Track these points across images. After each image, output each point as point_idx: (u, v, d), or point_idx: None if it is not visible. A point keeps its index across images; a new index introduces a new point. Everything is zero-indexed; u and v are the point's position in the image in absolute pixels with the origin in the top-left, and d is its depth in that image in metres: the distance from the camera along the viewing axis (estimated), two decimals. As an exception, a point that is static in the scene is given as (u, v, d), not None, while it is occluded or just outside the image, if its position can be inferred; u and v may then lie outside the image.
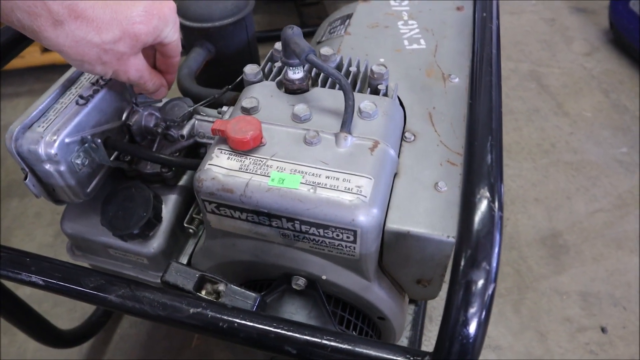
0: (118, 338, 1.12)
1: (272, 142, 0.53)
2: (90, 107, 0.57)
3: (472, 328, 0.37)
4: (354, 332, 0.62)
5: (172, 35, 0.54)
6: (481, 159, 0.45)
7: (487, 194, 0.42)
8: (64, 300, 1.15)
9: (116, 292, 0.48)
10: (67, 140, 0.54)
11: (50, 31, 0.44)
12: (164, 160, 0.61)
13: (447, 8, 0.83)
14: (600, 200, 1.37)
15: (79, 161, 0.57)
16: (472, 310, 0.37)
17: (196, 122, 0.64)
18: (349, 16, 0.84)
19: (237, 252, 0.59)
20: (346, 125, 0.53)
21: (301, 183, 0.49)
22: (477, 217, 0.41)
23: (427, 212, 0.53)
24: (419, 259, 0.55)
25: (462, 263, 0.39)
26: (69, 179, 0.56)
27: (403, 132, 0.61)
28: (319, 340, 0.43)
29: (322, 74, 0.63)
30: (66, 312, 1.16)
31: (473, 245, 0.39)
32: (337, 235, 0.50)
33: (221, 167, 0.51)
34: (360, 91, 0.62)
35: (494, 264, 0.38)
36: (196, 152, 0.68)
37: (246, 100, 0.57)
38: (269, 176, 0.50)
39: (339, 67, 0.64)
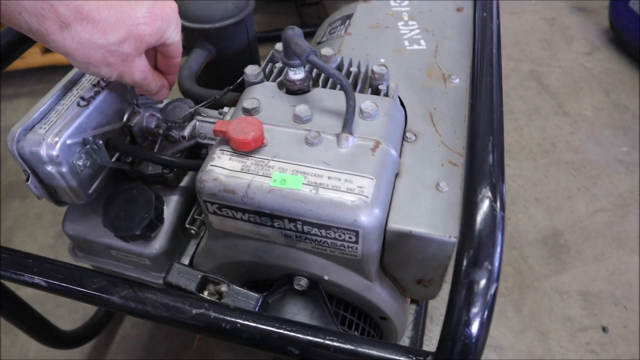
0: (120, 339, 1.12)
1: (274, 143, 0.53)
2: (92, 108, 0.57)
3: (475, 328, 0.37)
4: (356, 332, 0.62)
5: (174, 35, 0.54)
6: (483, 159, 0.46)
7: (489, 194, 0.42)
8: (66, 301, 1.15)
9: (119, 293, 0.48)
10: (68, 141, 0.54)
11: (57, 34, 0.44)
12: (165, 161, 0.61)
13: (448, 8, 0.83)
14: (601, 199, 1.37)
15: (80, 162, 0.57)
16: (475, 310, 0.37)
17: (197, 123, 0.64)
18: (349, 16, 0.84)
19: (239, 252, 0.59)
20: (347, 125, 0.53)
21: (303, 184, 0.50)
22: (479, 217, 0.41)
23: (428, 212, 0.53)
24: (420, 259, 0.55)
25: (465, 263, 0.39)
26: (70, 181, 0.56)
27: (404, 133, 0.61)
28: (321, 341, 0.43)
29: (322, 75, 0.63)
30: (68, 313, 1.16)
31: (475, 245, 0.39)
32: (339, 236, 0.50)
33: (223, 168, 0.51)
34: (361, 91, 0.62)
35: (496, 264, 0.38)
36: (197, 153, 0.68)
37: (247, 101, 0.57)
38: (271, 177, 0.50)
39: (339, 67, 0.64)
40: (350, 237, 0.50)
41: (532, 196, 1.38)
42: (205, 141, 0.64)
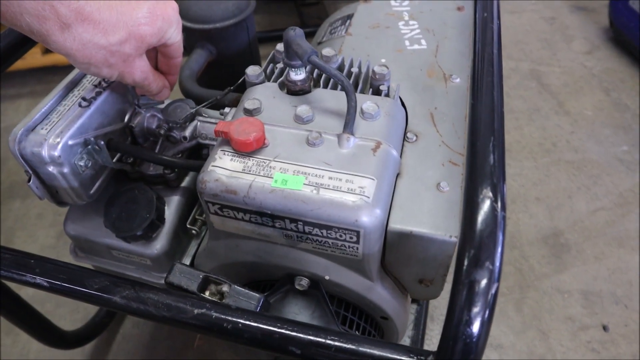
0: (121, 338, 1.13)
1: (275, 144, 0.53)
2: (93, 109, 0.58)
3: (476, 327, 0.37)
4: (357, 332, 0.62)
5: (175, 36, 0.54)
6: (483, 159, 0.46)
7: (490, 194, 0.42)
8: (67, 301, 1.15)
9: (121, 294, 0.48)
10: (70, 142, 0.55)
11: (58, 35, 0.44)
12: (166, 161, 0.61)
13: (448, 8, 0.83)
14: (602, 198, 1.37)
15: (82, 163, 0.57)
16: (476, 309, 0.37)
17: (198, 123, 0.64)
18: (350, 16, 0.84)
19: (241, 253, 0.59)
20: (349, 126, 0.53)
21: (304, 184, 0.50)
22: (480, 216, 0.41)
23: (429, 212, 0.53)
24: (421, 258, 0.55)
25: (466, 263, 0.39)
26: (72, 181, 0.56)
27: (405, 133, 0.61)
28: (322, 340, 0.43)
29: (324, 75, 0.63)
30: (69, 313, 1.16)
31: (476, 245, 0.39)
32: (340, 236, 0.50)
33: (224, 169, 0.51)
34: (362, 92, 0.62)
35: (497, 264, 0.38)
36: (199, 153, 0.68)
37: (248, 101, 0.58)
38: (272, 177, 0.50)
39: (340, 68, 0.65)
40: (351, 237, 0.50)
41: (532, 195, 1.38)
42: (207, 142, 0.64)
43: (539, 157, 1.49)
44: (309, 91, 0.60)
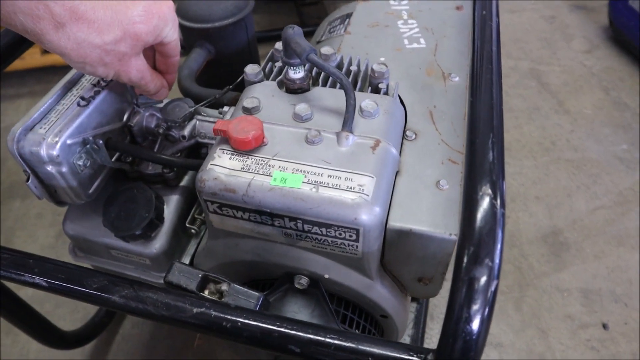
0: (120, 338, 1.12)
1: (274, 142, 0.53)
2: (92, 108, 0.57)
3: (475, 325, 0.37)
4: (356, 331, 0.62)
5: (171, 34, 0.54)
6: (483, 157, 0.46)
7: (489, 191, 0.42)
8: (66, 301, 1.15)
9: (119, 293, 0.48)
10: (68, 141, 0.54)
11: (52, 34, 0.44)
12: (165, 160, 0.61)
13: (447, 7, 0.83)
14: (601, 197, 1.37)
15: (80, 162, 0.57)
16: (475, 307, 0.37)
17: (197, 122, 0.64)
18: (349, 15, 0.84)
19: (240, 251, 0.59)
20: (347, 124, 0.53)
21: (303, 182, 0.50)
22: (480, 214, 0.41)
23: (429, 210, 0.53)
24: (421, 256, 0.55)
25: (465, 260, 0.39)
26: (70, 180, 0.56)
27: (404, 131, 0.61)
28: (322, 339, 0.43)
29: (322, 74, 0.63)
30: (68, 313, 1.16)
31: (476, 242, 0.39)
32: (340, 234, 0.50)
33: (223, 167, 0.51)
34: (361, 90, 0.62)
35: (497, 261, 0.38)
36: (197, 152, 0.68)
37: (247, 100, 0.58)
38: (271, 176, 0.50)
39: (339, 66, 0.64)
40: (350, 236, 0.50)
41: (532, 194, 1.38)
42: (205, 140, 0.64)
43: (538, 156, 1.49)
44: (307, 89, 0.60)
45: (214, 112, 0.68)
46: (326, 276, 0.57)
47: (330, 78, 0.62)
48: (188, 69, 0.82)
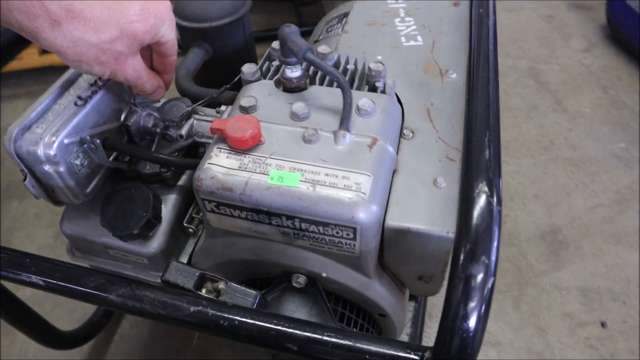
0: (118, 338, 1.12)
1: (271, 141, 0.53)
2: (89, 108, 0.57)
3: (472, 322, 0.37)
4: (354, 329, 0.62)
5: (168, 33, 0.54)
6: (479, 154, 0.46)
7: (486, 189, 0.42)
8: (65, 301, 1.15)
9: (117, 292, 0.48)
10: (66, 141, 0.54)
11: (48, 32, 0.44)
12: (163, 160, 0.61)
13: (444, 5, 0.83)
14: (600, 195, 1.37)
15: (78, 162, 0.57)
16: (472, 304, 0.37)
17: (195, 121, 0.64)
18: (346, 14, 0.84)
19: (237, 250, 0.59)
20: (345, 122, 0.53)
21: (300, 181, 0.50)
22: (476, 211, 0.41)
23: (426, 208, 0.53)
24: (419, 255, 0.55)
25: (462, 257, 0.39)
26: (68, 180, 0.56)
27: (401, 129, 0.61)
28: (319, 337, 0.43)
29: (319, 72, 0.63)
30: (67, 313, 1.16)
31: (472, 239, 0.39)
32: (337, 233, 0.50)
33: (220, 166, 0.51)
34: (358, 89, 0.62)
35: (493, 258, 0.38)
36: (195, 151, 0.68)
37: (244, 99, 0.57)
38: (268, 174, 0.50)
39: (336, 65, 0.64)
40: (348, 234, 0.50)
41: (530, 193, 1.39)
42: (203, 140, 0.64)
43: (537, 155, 1.49)
44: (304, 88, 0.60)
45: (212, 111, 0.68)
46: (324, 275, 0.57)
47: (328, 77, 0.62)
48: (185, 68, 0.82)
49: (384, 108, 0.57)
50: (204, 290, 0.52)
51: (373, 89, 0.61)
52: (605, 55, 1.84)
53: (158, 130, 0.64)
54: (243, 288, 0.51)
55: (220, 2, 0.86)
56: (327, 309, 0.59)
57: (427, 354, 0.41)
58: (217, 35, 0.87)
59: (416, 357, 0.41)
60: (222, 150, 0.53)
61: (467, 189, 0.43)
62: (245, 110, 0.57)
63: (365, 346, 0.42)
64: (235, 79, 0.66)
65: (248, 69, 0.62)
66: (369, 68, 0.61)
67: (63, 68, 0.57)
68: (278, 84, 0.61)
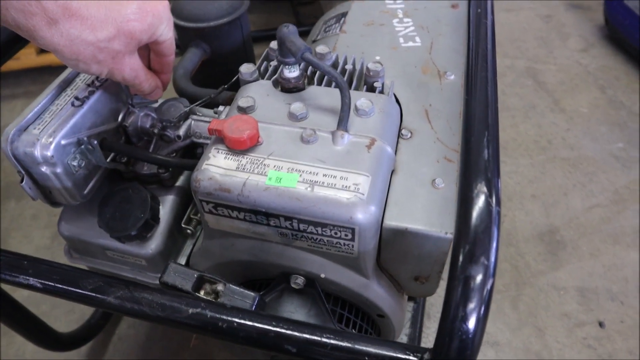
0: (116, 339, 1.12)
1: (269, 141, 0.53)
2: (86, 108, 0.57)
3: (472, 323, 0.37)
4: (353, 330, 0.62)
5: (166, 33, 0.54)
6: (478, 155, 0.45)
7: (485, 189, 0.42)
8: (63, 302, 1.15)
9: (115, 294, 0.48)
10: (63, 142, 0.54)
11: (45, 30, 0.44)
12: (160, 160, 0.61)
13: (442, 5, 0.83)
14: (597, 195, 1.37)
15: (75, 163, 0.57)
16: (471, 305, 0.37)
17: (192, 122, 0.64)
18: (344, 14, 0.84)
19: (236, 252, 0.59)
20: (343, 123, 0.53)
21: (298, 182, 0.49)
22: (475, 212, 0.41)
23: (424, 209, 0.53)
24: (417, 255, 0.55)
25: (461, 258, 0.39)
26: (65, 181, 0.56)
27: (400, 130, 0.61)
28: (318, 339, 0.43)
29: (318, 72, 0.63)
30: (65, 314, 1.16)
31: (471, 240, 0.39)
32: (335, 233, 0.50)
33: (218, 167, 0.51)
34: (357, 89, 0.62)
35: (493, 259, 0.38)
36: (193, 152, 0.68)
37: (242, 99, 0.57)
38: (267, 175, 0.50)
39: (334, 65, 0.64)
40: (346, 235, 0.50)
41: (528, 193, 1.39)
42: (201, 140, 0.64)
43: (534, 155, 1.49)
44: (302, 88, 0.60)
45: (209, 111, 0.68)
46: (322, 276, 0.57)
47: (326, 77, 0.62)
48: (183, 68, 0.82)
49: (382, 108, 0.57)
50: (202, 292, 0.52)
51: (371, 89, 0.61)
52: (603, 55, 1.84)
53: (156, 130, 0.63)
54: (242, 290, 0.50)
55: (218, 2, 0.86)
56: (326, 310, 0.59)
57: (426, 356, 0.41)
58: (215, 35, 0.87)
59: (415, 359, 0.41)
60: (220, 151, 0.53)
61: (465, 189, 0.43)
62: (243, 110, 0.57)
63: (364, 348, 0.42)
64: (233, 79, 0.65)
65: (246, 69, 0.62)
66: (368, 68, 0.61)
67: (61, 68, 0.57)
68: (276, 84, 0.60)
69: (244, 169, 0.51)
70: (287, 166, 0.51)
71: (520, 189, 1.40)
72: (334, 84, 0.60)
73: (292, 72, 0.58)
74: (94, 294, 0.49)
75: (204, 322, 0.46)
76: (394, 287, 0.62)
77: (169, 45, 0.56)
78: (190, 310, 0.46)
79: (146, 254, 0.62)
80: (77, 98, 0.57)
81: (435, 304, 1.15)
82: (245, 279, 0.65)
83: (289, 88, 0.59)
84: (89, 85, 0.59)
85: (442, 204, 0.53)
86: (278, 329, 0.44)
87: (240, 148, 0.52)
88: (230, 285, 0.51)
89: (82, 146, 0.57)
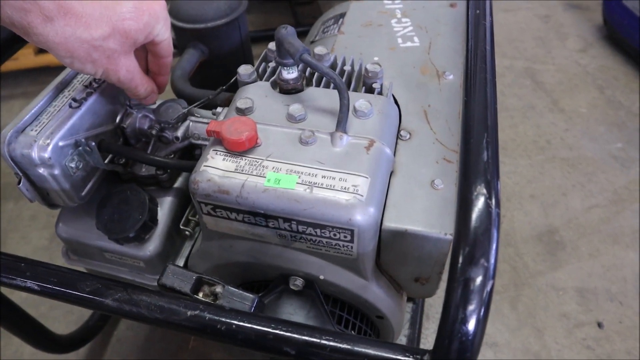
0: (115, 340, 1.12)
1: (268, 143, 0.53)
2: (84, 110, 0.57)
3: (471, 325, 0.37)
4: (352, 332, 0.62)
5: (163, 33, 0.53)
6: (477, 156, 0.45)
7: (484, 191, 0.42)
8: (61, 304, 1.14)
9: (113, 296, 0.48)
10: (60, 143, 0.54)
11: (40, 27, 0.44)
12: (158, 162, 0.61)
13: (441, 5, 0.83)
14: (596, 196, 1.37)
15: (73, 165, 0.56)
16: (471, 307, 0.37)
17: (191, 123, 0.64)
18: (342, 15, 0.84)
19: (234, 253, 0.58)
20: (341, 124, 0.53)
21: (297, 183, 0.49)
22: (474, 214, 0.41)
23: (424, 210, 0.53)
24: (416, 257, 0.55)
25: (460, 260, 0.39)
26: (63, 183, 0.56)
27: (398, 131, 0.61)
28: (317, 341, 0.43)
29: (316, 74, 0.62)
30: (63, 315, 1.16)
31: (471, 242, 0.39)
32: (334, 235, 0.50)
33: (217, 169, 0.51)
34: (355, 90, 0.62)
35: (492, 261, 0.38)
36: (191, 153, 0.67)
37: (241, 100, 0.57)
38: (265, 177, 0.50)
39: (333, 66, 0.64)
40: (345, 236, 0.50)
41: (527, 193, 1.39)
42: (199, 142, 0.64)
43: (533, 155, 1.49)
44: (301, 90, 0.59)
45: (208, 113, 0.68)
46: (321, 277, 0.56)
47: (324, 78, 0.62)
48: (181, 69, 0.82)
49: (381, 109, 0.56)
50: (201, 294, 0.51)
51: (370, 90, 0.61)
52: (602, 56, 1.84)
53: (154, 132, 0.63)
54: (240, 291, 0.50)
55: (216, 2, 0.85)
56: (325, 311, 0.59)
57: (425, 358, 0.41)
58: (213, 36, 0.87)
59: (415, 361, 0.41)
60: (219, 153, 0.52)
61: (465, 191, 0.43)
62: (241, 112, 0.56)
63: (363, 350, 0.42)
64: (232, 81, 0.65)
65: (244, 70, 0.62)
66: (366, 69, 0.61)
67: (59, 68, 0.57)
68: (274, 85, 0.60)
69: (242, 170, 0.51)
70: (286, 168, 0.51)
71: (519, 189, 1.40)
72: (332, 85, 0.60)
73: (290, 74, 0.58)
74: (91, 297, 0.48)
75: (203, 325, 0.45)
76: (392, 288, 0.62)
77: (166, 46, 0.56)
78: (189, 313, 0.46)
79: (144, 256, 0.62)
80: (74, 99, 0.57)
81: (434, 304, 1.15)
82: (244, 280, 0.65)
83: (287, 89, 0.59)
84: (86, 87, 0.59)
85: (441, 205, 0.53)
86: (277, 331, 0.44)
87: (238, 149, 0.52)
88: (229, 287, 0.51)
89: (80, 148, 0.56)
